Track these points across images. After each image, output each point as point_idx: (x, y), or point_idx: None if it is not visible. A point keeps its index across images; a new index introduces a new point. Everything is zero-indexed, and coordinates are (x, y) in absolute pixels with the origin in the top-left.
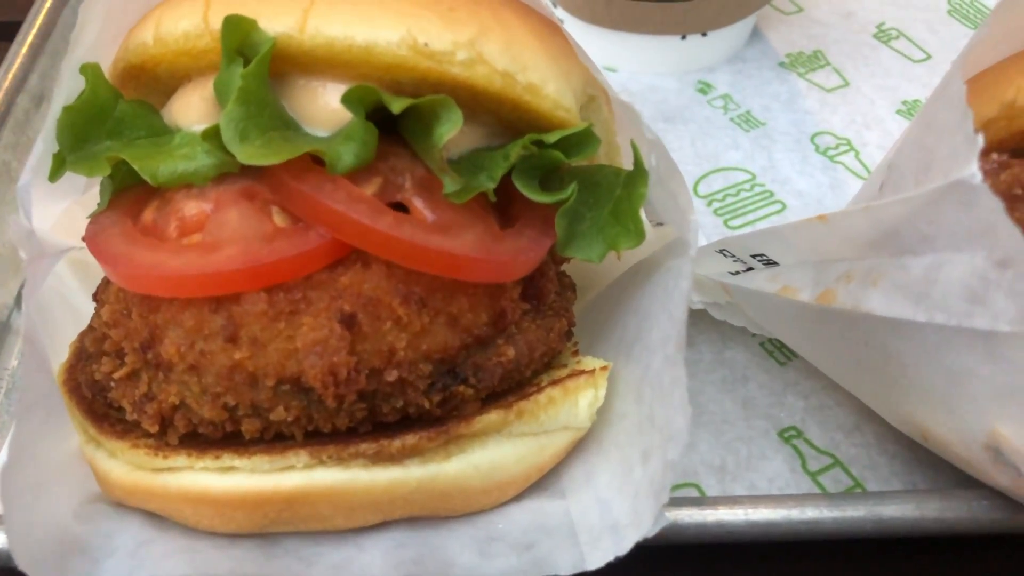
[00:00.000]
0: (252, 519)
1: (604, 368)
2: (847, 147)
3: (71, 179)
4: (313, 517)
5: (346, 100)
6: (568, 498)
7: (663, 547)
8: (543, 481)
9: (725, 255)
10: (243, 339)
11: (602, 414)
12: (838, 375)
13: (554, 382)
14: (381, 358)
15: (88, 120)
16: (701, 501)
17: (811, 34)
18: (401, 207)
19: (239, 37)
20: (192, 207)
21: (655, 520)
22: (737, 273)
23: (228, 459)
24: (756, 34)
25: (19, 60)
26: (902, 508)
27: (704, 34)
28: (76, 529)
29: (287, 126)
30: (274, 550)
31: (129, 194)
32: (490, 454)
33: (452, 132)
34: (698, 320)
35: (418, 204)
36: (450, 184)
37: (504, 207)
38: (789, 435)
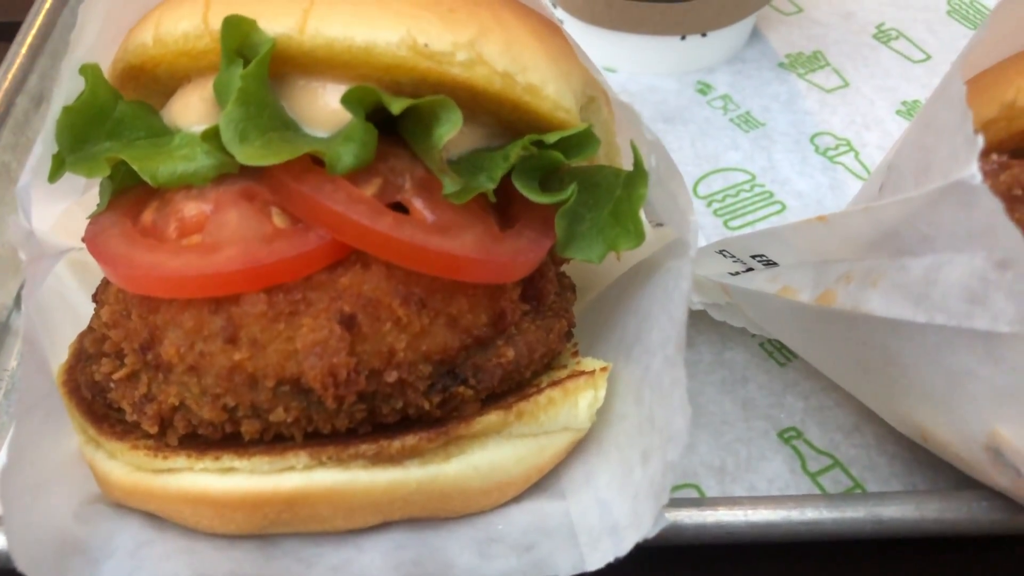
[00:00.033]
0: (252, 520)
1: (604, 369)
2: (847, 148)
3: (71, 180)
4: (313, 518)
5: (346, 101)
6: (568, 499)
7: (663, 548)
8: (543, 482)
9: (725, 256)
10: (243, 340)
11: (602, 415)
12: (838, 376)
13: (554, 383)
14: (381, 359)
15: (88, 121)
16: (701, 502)
17: (811, 35)
18: (401, 208)
19: (239, 38)
20: (192, 208)
21: (655, 521)
22: (737, 274)
23: (228, 460)
24: (756, 35)
25: (18, 61)
26: (902, 509)
27: (704, 35)
28: (76, 530)
29: (287, 127)
30: (273, 551)
31: (129, 195)
32: (490, 455)
33: (452, 133)
34: (698, 321)
35: (418, 205)
36: (450, 185)
37: (504, 208)
38: (789, 436)
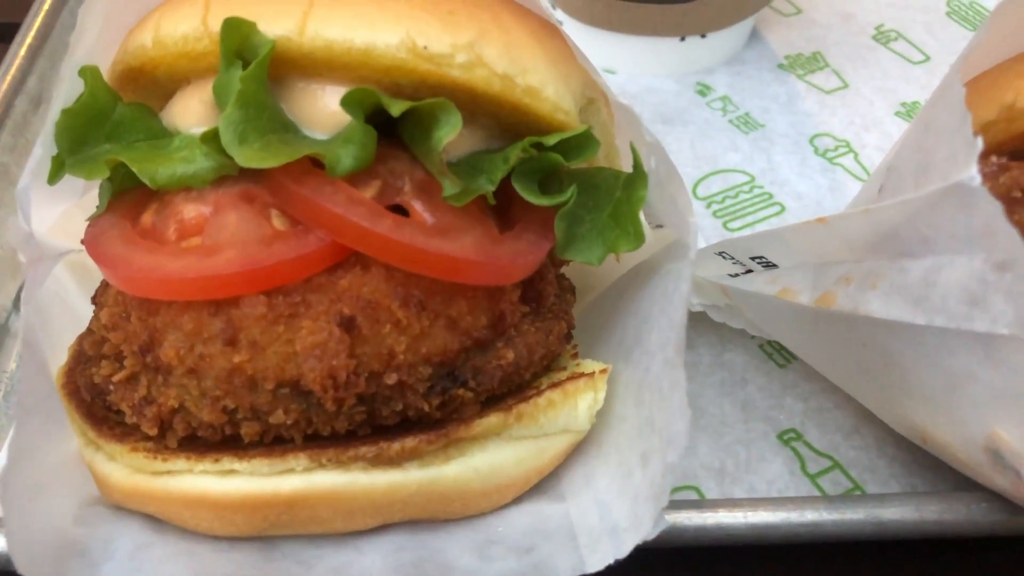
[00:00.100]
0: (251, 522)
1: (603, 371)
2: (846, 149)
3: (70, 182)
4: (312, 520)
5: (345, 103)
6: (567, 501)
7: (663, 550)
8: (542, 484)
9: (724, 257)
10: (242, 342)
11: (601, 417)
12: (837, 377)
13: (554, 385)
14: (380, 361)
15: (87, 123)
16: (700, 504)
17: (810, 36)
18: (400, 210)
19: (238, 40)
20: (191, 210)
21: (655, 523)
22: (736, 275)
23: (227, 462)
24: (755, 36)
25: (17, 62)
26: (901, 511)
27: (703, 36)
28: (75, 532)
29: (286, 129)
30: (273, 553)
31: (128, 197)
32: (489, 457)
33: (451, 135)
34: (697, 322)
35: (417, 207)
36: (449, 187)
37: (503, 210)
38: (788, 437)
